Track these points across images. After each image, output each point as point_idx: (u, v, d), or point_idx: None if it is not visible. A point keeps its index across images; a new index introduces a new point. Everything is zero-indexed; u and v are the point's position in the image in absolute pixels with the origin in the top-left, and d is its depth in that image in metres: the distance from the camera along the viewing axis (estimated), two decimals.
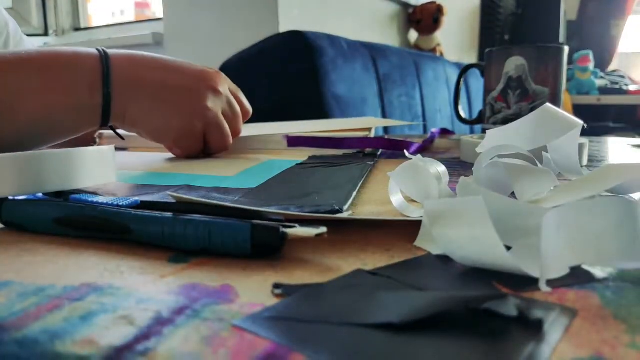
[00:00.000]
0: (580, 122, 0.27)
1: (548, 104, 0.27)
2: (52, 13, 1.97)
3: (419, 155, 0.27)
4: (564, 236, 0.16)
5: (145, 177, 0.37)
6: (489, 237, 0.16)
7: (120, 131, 0.58)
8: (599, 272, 0.17)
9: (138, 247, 0.21)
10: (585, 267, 0.18)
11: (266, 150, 0.54)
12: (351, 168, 0.38)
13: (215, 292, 0.16)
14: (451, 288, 0.17)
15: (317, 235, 0.18)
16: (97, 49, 0.45)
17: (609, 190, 0.29)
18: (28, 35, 0.80)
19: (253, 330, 0.13)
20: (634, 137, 1.99)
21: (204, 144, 0.50)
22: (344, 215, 0.25)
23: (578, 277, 0.17)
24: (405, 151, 0.34)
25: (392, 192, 0.27)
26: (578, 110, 2.40)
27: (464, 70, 0.72)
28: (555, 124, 0.27)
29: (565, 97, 1.14)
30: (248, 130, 0.61)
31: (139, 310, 0.15)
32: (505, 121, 0.61)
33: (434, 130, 0.67)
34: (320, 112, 1.11)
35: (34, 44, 0.74)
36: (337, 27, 1.44)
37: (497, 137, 0.28)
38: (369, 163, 0.41)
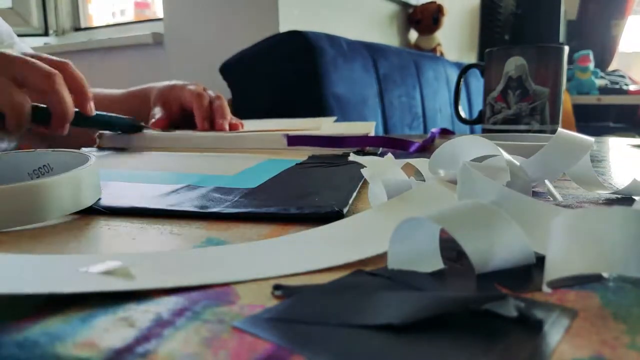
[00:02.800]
0: (592, 140, 0.27)
1: (561, 130, 0.27)
2: (52, 13, 1.97)
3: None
4: (573, 241, 0.15)
5: (144, 177, 0.37)
6: (517, 237, 0.16)
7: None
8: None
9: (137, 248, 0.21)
10: None
11: (266, 150, 0.54)
12: (351, 168, 0.38)
13: (215, 294, 0.16)
14: (451, 289, 0.17)
15: None
16: None
17: (616, 191, 0.29)
18: (28, 36, 0.80)
19: (253, 331, 0.13)
20: (634, 137, 1.99)
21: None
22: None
23: (578, 277, 0.17)
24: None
25: (375, 196, 0.27)
26: (578, 110, 2.40)
27: (464, 70, 0.72)
28: (571, 150, 0.27)
29: (565, 97, 1.15)
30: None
31: (139, 312, 0.15)
32: (505, 121, 0.61)
33: (434, 130, 0.67)
34: (320, 112, 1.11)
35: (29, 45, 0.74)
36: (337, 27, 1.43)
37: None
38: None
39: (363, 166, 0.31)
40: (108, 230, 0.24)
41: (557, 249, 0.15)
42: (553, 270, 0.15)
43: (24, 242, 0.22)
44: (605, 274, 0.17)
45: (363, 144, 0.51)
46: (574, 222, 0.15)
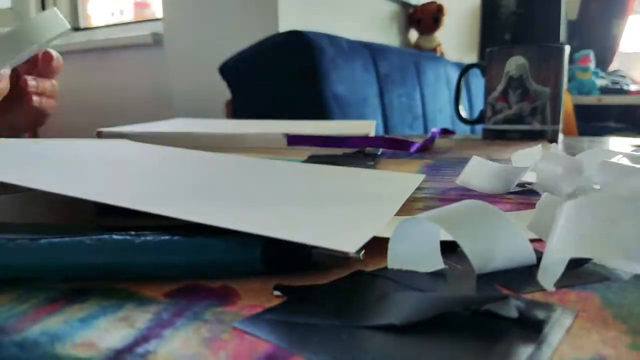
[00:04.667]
0: None
1: None
2: None
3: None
4: (574, 226, 0.15)
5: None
6: (517, 237, 0.17)
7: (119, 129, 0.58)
8: (601, 271, 0.17)
9: None
10: (587, 267, 0.18)
11: (266, 149, 0.54)
12: (351, 168, 0.38)
13: (216, 294, 0.16)
14: (452, 289, 0.16)
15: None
16: None
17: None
18: None
19: (253, 332, 0.13)
20: (635, 137, 1.98)
21: None
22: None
23: (579, 277, 0.17)
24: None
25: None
26: (579, 111, 2.40)
27: (465, 70, 0.72)
28: None
29: (566, 97, 1.14)
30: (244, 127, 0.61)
31: (139, 312, 0.15)
32: (506, 121, 0.61)
33: (434, 130, 0.67)
34: (320, 112, 1.11)
35: None
36: (337, 27, 1.43)
37: None
38: (369, 163, 0.41)
39: (362, 166, 0.31)
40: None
41: (558, 233, 0.15)
42: (549, 259, 0.15)
43: None
44: (605, 273, 0.17)
45: (364, 144, 0.51)
46: (577, 207, 0.15)
